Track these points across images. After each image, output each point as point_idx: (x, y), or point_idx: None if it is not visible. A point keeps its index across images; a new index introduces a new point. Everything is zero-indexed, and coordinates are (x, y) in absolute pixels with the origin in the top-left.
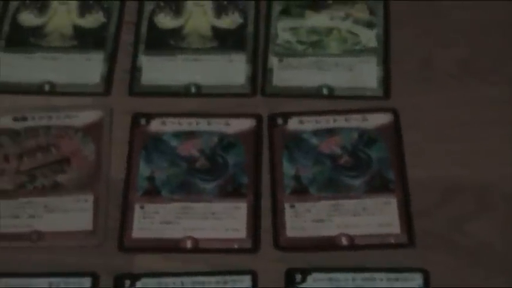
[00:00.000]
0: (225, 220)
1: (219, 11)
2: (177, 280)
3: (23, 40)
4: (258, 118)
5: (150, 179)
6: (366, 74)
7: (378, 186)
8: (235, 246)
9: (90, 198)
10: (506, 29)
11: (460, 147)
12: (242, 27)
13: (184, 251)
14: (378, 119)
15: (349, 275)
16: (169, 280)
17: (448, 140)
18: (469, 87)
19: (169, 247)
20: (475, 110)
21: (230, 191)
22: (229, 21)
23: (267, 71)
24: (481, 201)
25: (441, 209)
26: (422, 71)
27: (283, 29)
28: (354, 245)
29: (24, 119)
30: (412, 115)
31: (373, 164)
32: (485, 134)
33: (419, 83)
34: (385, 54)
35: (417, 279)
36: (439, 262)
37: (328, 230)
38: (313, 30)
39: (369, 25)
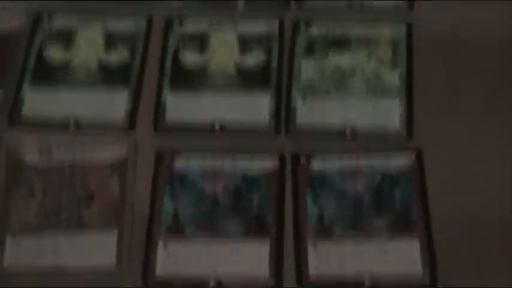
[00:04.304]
0: (248, 258)
1: (244, 48)
2: None
3: (49, 75)
4: (282, 158)
5: (174, 215)
6: (389, 114)
7: (401, 227)
8: (259, 284)
9: (114, 234)
10: None
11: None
12: (266, 64)
13: None
14: (401, 159)
15: None
16: None
17: (474, 175)
18: (495, 124)
19: (193, 285)
20: (501, 145)
21: (254, 229)
22: (254, 58)
23: (290, 110)
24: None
25: (466, 247)
26: (446, 106)
27: (307, 68)
28: (377, 285)
29: (50, 154)
30: (435, 152)
31: (396, 204)
32: None
33: (443, 117)
34: (408, 94)
35: None
36: None
37: (351, 270)
38: (336, 70)
39: (392, 65)
